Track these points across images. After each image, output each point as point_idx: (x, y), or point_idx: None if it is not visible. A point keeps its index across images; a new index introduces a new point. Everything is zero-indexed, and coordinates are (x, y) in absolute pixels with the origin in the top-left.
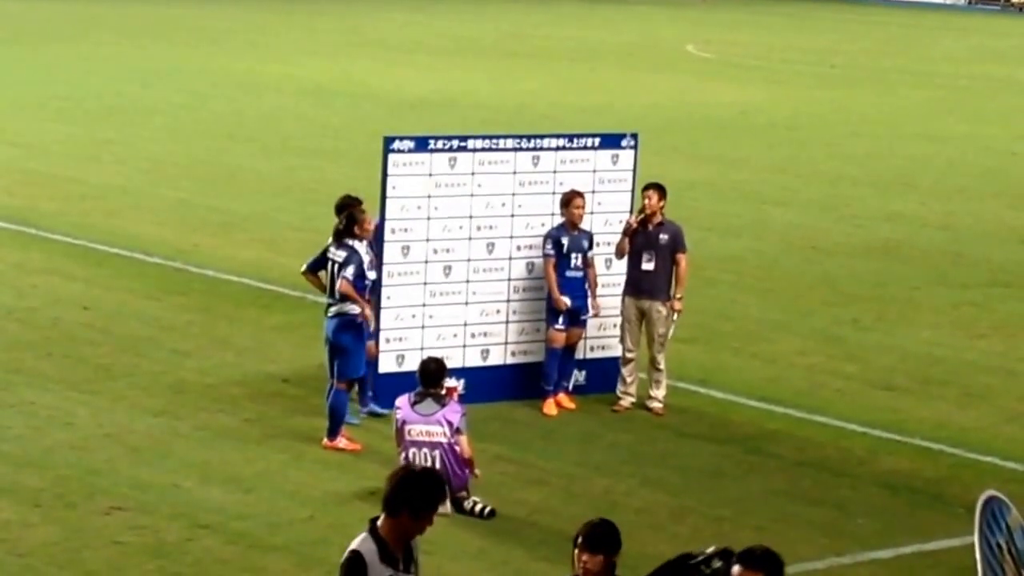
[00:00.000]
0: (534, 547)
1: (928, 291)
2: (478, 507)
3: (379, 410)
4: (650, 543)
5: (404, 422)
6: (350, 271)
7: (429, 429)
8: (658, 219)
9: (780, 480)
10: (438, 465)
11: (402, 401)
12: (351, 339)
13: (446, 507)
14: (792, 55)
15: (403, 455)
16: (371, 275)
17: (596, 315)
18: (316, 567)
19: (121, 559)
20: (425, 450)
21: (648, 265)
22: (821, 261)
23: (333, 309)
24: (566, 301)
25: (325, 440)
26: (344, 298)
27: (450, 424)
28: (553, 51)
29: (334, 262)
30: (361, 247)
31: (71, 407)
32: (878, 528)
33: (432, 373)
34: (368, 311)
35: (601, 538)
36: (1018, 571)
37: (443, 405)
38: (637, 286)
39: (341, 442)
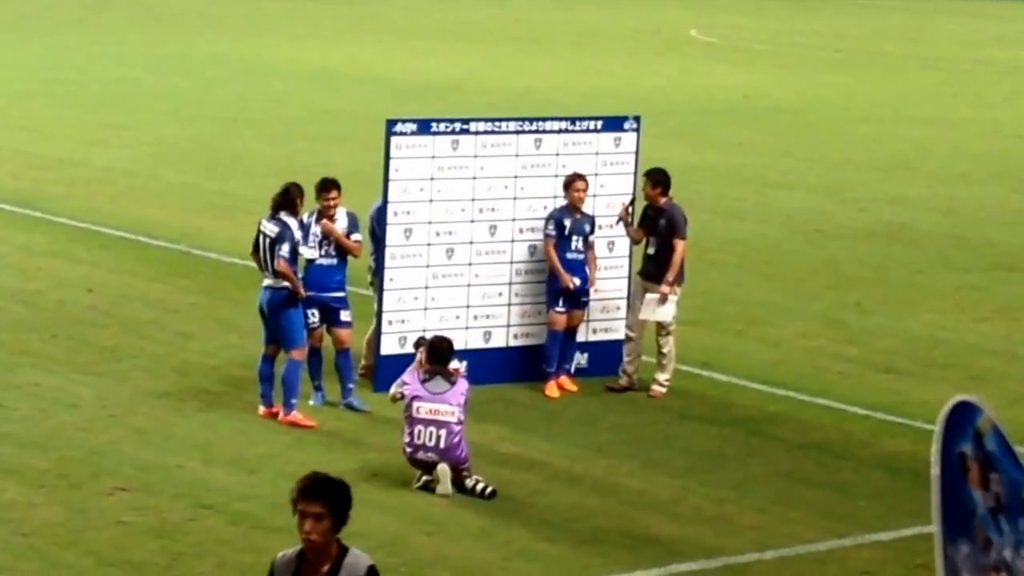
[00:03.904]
0: (536, 528)
1: (931, 275)
2: (479, 486)
3: (357, 404)
4: (652, 525)
5: (414, 398)
6: (285, 249)
7: (438, 408)
8: (660, 204)
9: (782, 462)
10: (442, 444)
11: (411, 377)
12: (287, 310)
13: (446, 488)
14: (796, 39)
15: (408, 433)
16: (309, 253)
17: (594, 289)
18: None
19: (124, 539)
20: (432, 428)
21: (651, 249)
22: (824, 245)
23: (267, 282)
24: (574, 280)
25: (281, 414)
26: (277, 274)
27: (459, 405)
28: (557, 35)
29: (265, 235)
30: (293, 223)
31: (76, 389)
32: (880, 510)
33: (445, 351)
34: (301, 289)
35: None
36: (983, 475)
37: (453, 384)
38: (644, 269)
39: (297, 416)
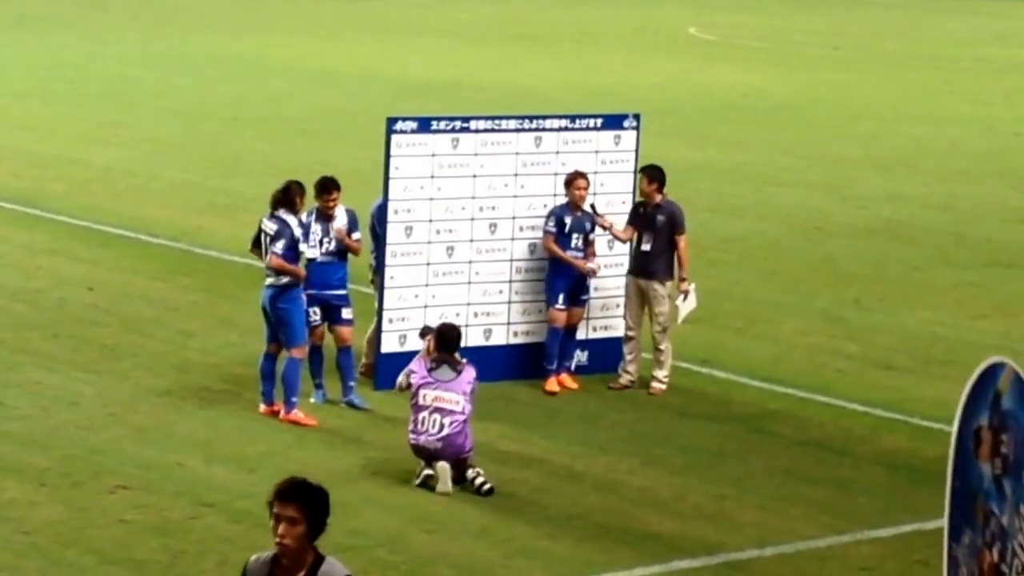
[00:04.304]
0: (537, 525)
1: (929, 271)
2: (478, 481)
3: (357, 402)
4: (653, 522)
5: (420, 386)
6: (280, 245)
7: (443, 395)
8: (656, 200)
9: (782, 459)
10: (445, 431)
11: (418, 365)
12: (289, 307)
13: (446, 485)
14: (795, 37)
15: (412, 420)
16: (310, 252)
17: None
18: (319, 546)
19: (126, 537)
20: (436, 416)
21: (646, 246)
22: (823, 242)
23: (269, 280)
24: (592, 266)
25: (281, 412)
26: (278, 272)
27: (465, 393)
28: (556, 34)
29: (266, 234)
30: (293, 221)
31: (76, 387)
32: (879, 507)
33: (453, 338)
34: (301, 273)
35: None
36: (995, 441)
37: (459, 373)
38: (637, 266)
39: (298, 414)
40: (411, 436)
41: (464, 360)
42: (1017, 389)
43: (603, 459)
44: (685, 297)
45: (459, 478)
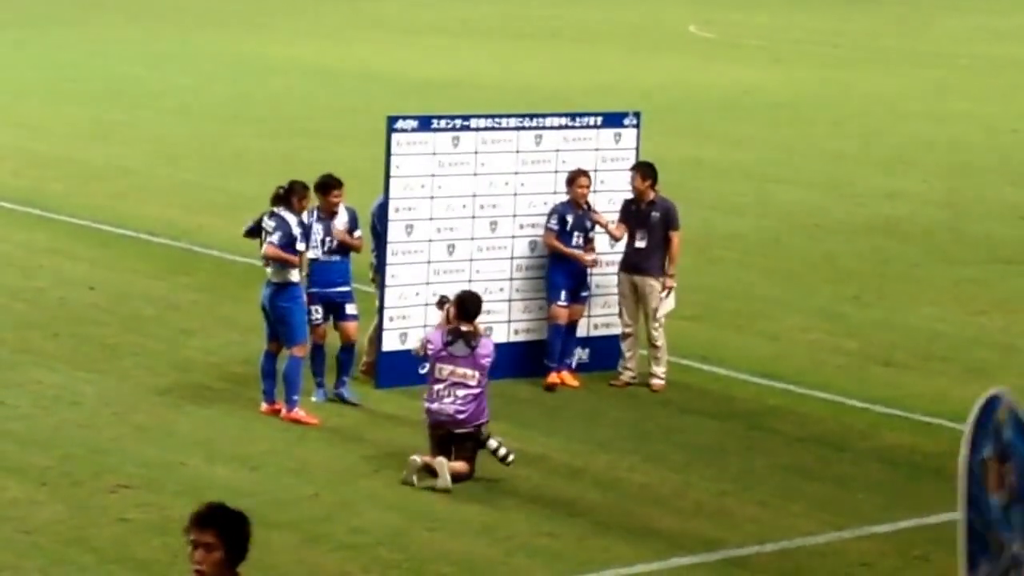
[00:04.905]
0: (538, 522)
1: (929, 268)
2: (501, 452)
3: (347, 396)
4: (654, 519)
5: (436, 359)
6: (275, 238)
7: (458, 370)
8: (650, 197)
9: (782, 455)
10: (460, 402)
11: (435, 336)
12: (289, 306)
13: (445, 481)
14: (794, 35)
15: (428, 391)
16: (311, 252)
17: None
18: (321, 544)
19: (127, 536)
20: (451, 388)
21: (640, 243)
22: (823, 239)
23: (270, 278)
24: (592, 257)
25: (283, 411)
26: (278, 265)
27: (481, 368)
28: (556, 32)
29: (265, 231)
30: (292, 219)
31: (77, 386)
32: (879, 502)
33: (473, 305)
34: (299, 261)
35: None
36: (999, 471)
37: (473, 348)
38: (630, 263)
39: (300, 413)
40: (425, 404)
41: (481, 333)
42: (1013, 419)
43: (604, 456)
44: (668, 294)
45: (475, 448)
